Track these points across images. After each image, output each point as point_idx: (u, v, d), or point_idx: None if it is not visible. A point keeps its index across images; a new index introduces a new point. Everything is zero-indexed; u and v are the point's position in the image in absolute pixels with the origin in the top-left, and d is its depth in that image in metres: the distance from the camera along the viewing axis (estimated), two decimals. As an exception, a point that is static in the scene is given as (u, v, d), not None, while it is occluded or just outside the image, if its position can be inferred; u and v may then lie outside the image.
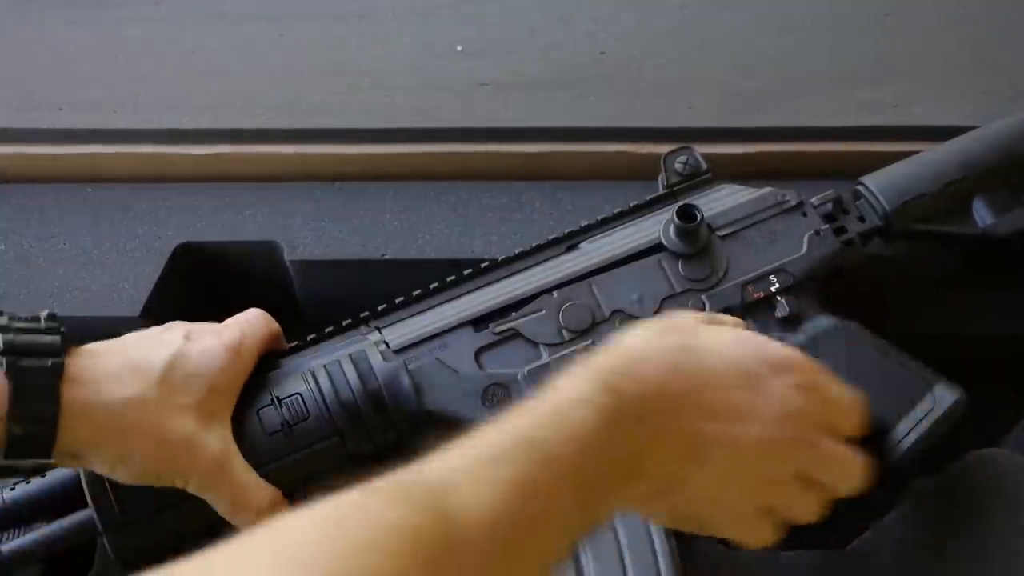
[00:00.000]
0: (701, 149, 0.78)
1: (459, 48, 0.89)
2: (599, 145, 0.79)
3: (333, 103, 0.84)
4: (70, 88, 0.87)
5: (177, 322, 0.58)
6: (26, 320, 0.52)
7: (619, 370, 0.46)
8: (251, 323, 0.59)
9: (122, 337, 0.56)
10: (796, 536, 0.57)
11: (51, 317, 0.53)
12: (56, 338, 0.51)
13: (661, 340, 0.49)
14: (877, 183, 0.67)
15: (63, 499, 0.59)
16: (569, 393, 0.45)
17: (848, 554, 0.61)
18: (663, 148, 0.79)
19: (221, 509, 0.55)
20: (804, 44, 0.87)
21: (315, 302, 0.78)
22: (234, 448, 0.55)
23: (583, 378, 0.45)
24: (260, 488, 0.55)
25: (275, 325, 0.61)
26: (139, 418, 0.52)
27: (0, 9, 0.96)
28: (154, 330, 0.57)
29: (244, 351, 0.57)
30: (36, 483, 0.59)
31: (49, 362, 0.50)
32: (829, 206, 0.66)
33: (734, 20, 0.90)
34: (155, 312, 0.74)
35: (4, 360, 0.49)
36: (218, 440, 0.54)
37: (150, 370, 0.53)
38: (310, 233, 0.76)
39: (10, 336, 0.50)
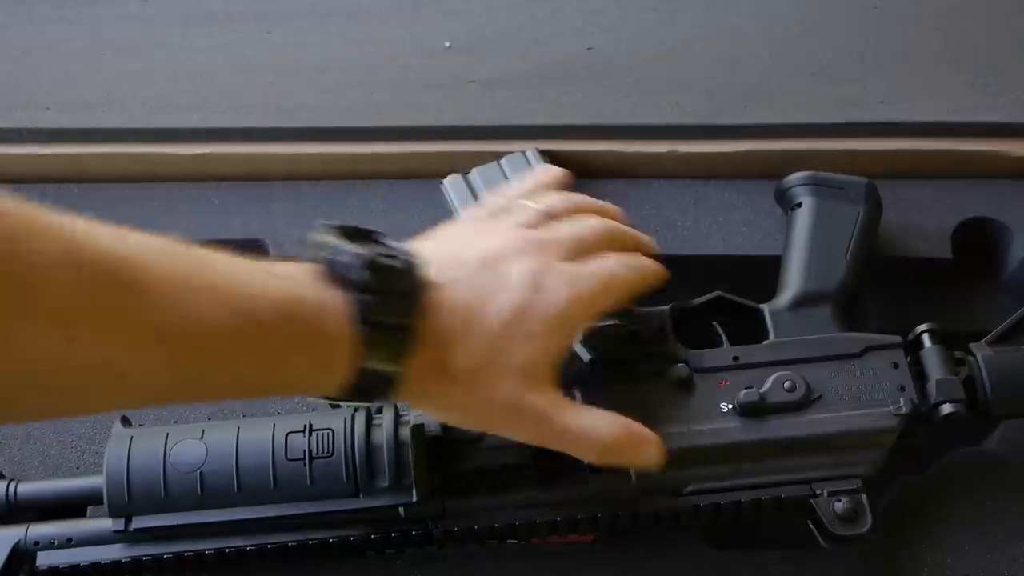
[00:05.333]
0: (688, 147, 0.79)
1: (447, 45, 0.89)
2: (586, 143, 0.79)
3: (320, 101, 0.84)
4: (56, 87, 0.86)
5: (531, 245, 0.55)
6: (387, 257, 0.49)
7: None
8: (617, 273, 0.56)
9: (465, 264, 0.53)
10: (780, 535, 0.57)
11: (412, 254, 0.51)
12: (411, 320, 0.49)
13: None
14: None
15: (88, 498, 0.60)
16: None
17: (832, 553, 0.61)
18: (649, 146, 0.79)
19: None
20: (790, 40, 0.87)
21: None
22: (562, 400, 0.53)
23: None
24: (593, 429, 0.53)
25: (651, 272, 0.58)
26: (467, 384, 0.51)
27: (-14, 7, 0.96)
28: (501, 250, 0.54)
29: (594, 309, 0.56)
30: (63, 480, 0.61)
31: (403, 329, 0.49)
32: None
33: (721, 16, 0.90)
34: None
35: (359, 319, 0.48)
36: (542, 398, 0.52)
37: (483, 335, 0.51)
38: (296, 232, 0.76)
39: (368, 298, 0.48)
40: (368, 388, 0.49)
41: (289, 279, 0.48)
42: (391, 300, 0.49)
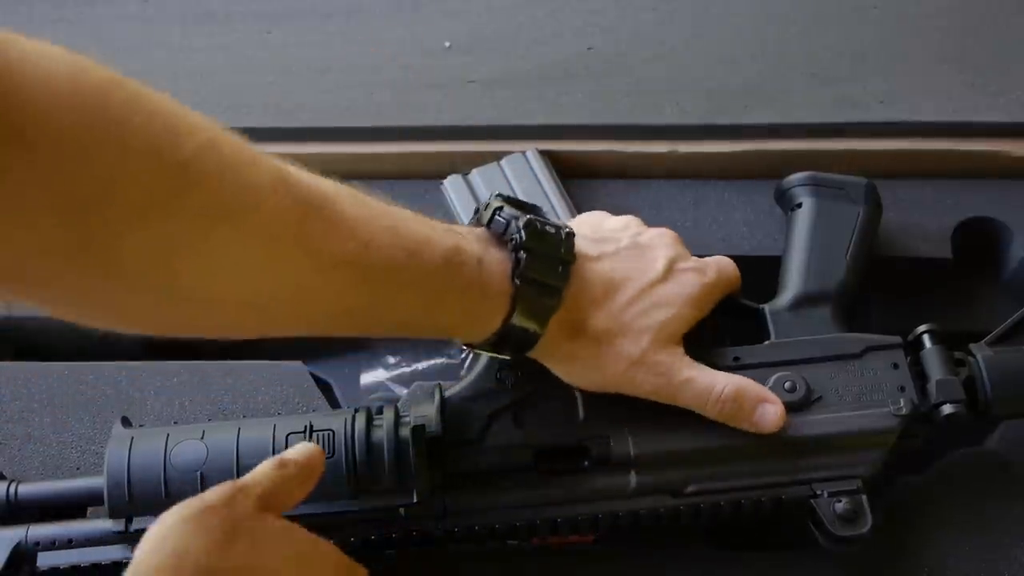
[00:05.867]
0: (688, 147, 0.79)
1: (447, 45, 0.89)
2: (586, 143, 0.79)
3: (320, 101, 0.84)
4: (56, 87, 0.86)
5: (667, 236, 0.62)
6: (545, 224, 0.56)
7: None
8: (725, 271, 0.63)
9: (611, 241, 0.61)
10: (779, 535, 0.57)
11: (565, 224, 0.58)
12: (561, 281, 0.55)
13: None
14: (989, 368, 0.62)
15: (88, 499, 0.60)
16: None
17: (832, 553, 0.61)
18: (649, 146, 0.79)
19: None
20: (790, 40, 0.87)
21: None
22: (686, 357, 0.58)
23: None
24: (713, 384, 0.58)
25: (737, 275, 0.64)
26: (597, 341, 0.57)
27: (-13, 7, 0.96)
28: (648, 239, 0.61)
29: (716, 296, 0.62)
30: (63, 481, 0.61)
31: (552, 289, 0.55)
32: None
33: (721, 16, 0.90)
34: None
35: (514, 275, 0.54)
36: (667, 354, 0.58)
37: (621, 301, 0.58)
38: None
39: (525, 257, 0.54)
40: (511, 341, 0.55)
41: (456, 233, 0.54)
42: (545, 262, 0.55)
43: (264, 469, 0.52)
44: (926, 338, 0.63)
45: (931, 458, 0.66)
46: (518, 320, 0.54)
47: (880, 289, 0.73)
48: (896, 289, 0.73)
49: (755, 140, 0.79)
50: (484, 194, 0.76)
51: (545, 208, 0.74)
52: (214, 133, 0.45)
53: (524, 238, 0.54)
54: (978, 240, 0.76)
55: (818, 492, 0.59)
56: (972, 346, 0.63)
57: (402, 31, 0.91)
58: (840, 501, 0.58)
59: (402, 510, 0.57)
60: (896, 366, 0.62)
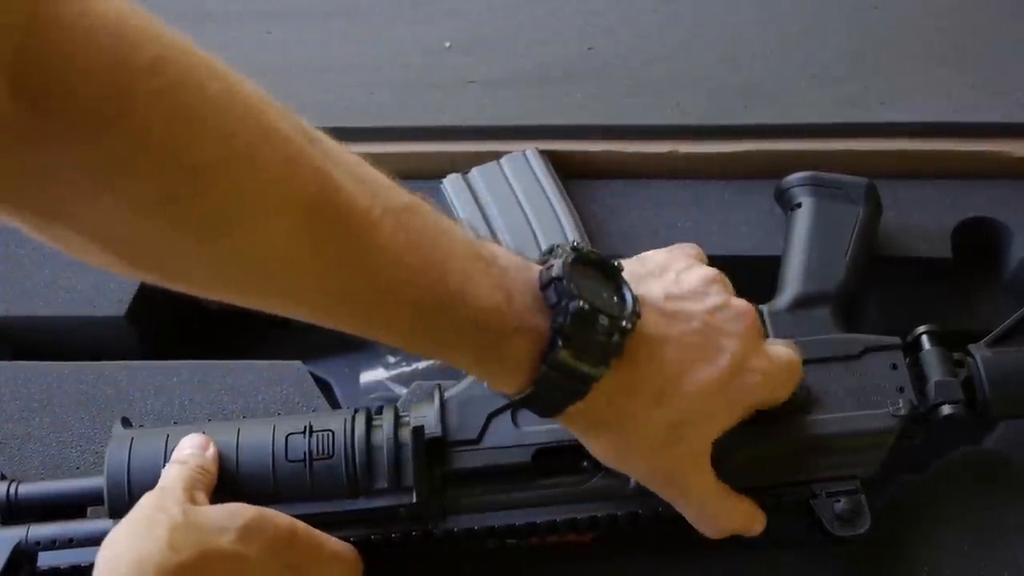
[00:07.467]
0: (688, 147, 0.79)
1: (447, 45, 0.89)
2: (586, 143, 0.79)
3: (320, 101, 0.84)
4: (56, 87, 0.86)
5: (745, 318, 0.54)
6: (598, 312, 0.48)
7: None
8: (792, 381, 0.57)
9: (687, 318, 0.52)
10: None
11: (632, 314, 0.50)
12: (592, 369, 0.49)
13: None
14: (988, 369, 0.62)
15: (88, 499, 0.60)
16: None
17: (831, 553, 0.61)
18: (649, 146, 0.79)
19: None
20: (790, 40, 0.87)
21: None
22: (707, 485, 0.55)
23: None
24: (723, 519, 0.56)
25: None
26: (621, 440, 0.52)
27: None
28: (719, 326, 0.53)
29: (775, 399, 0.56)
30: (63, 480, 0.61)
31: (580, 389, 0.49)
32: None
33: (721, 16, 0.90)
34: (141, 311, 0.74)
35: (540, 370, 0.48)
36: (696, 478, 0.54)
37: (669, 403, 0.51)
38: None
39: (564, 347, 0.48)
40: (527, 405, 0.51)
41: (507, 295, 0.48)
42: (585, 358, 0.48)
43: (171, 471, 0.55)
44: (925, 339, 0.63)
45: (930, 458, 0.66)
46: (534, 395, 0.50)
47: (880, 289, 0.73)
48: (896, 289, 0.73)
49: (755, 140, 0.79)
50: (484, 194, 0.76)
51: (545, 208, 0.75)
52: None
53: (569, 324, 0.48)
54: (978, 240, 0.76)
55: (817, 492, 0.59)
56: (971, 347, 0.63)
57: (402, 31, 0.91)
58: (839, 501, 0.58)
59: (402, 510, 0.57)
60: (895, 367, 0.62)
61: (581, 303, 0.47)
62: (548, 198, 0.76)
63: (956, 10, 0.88)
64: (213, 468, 0.56)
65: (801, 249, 0.68)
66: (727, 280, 0.56)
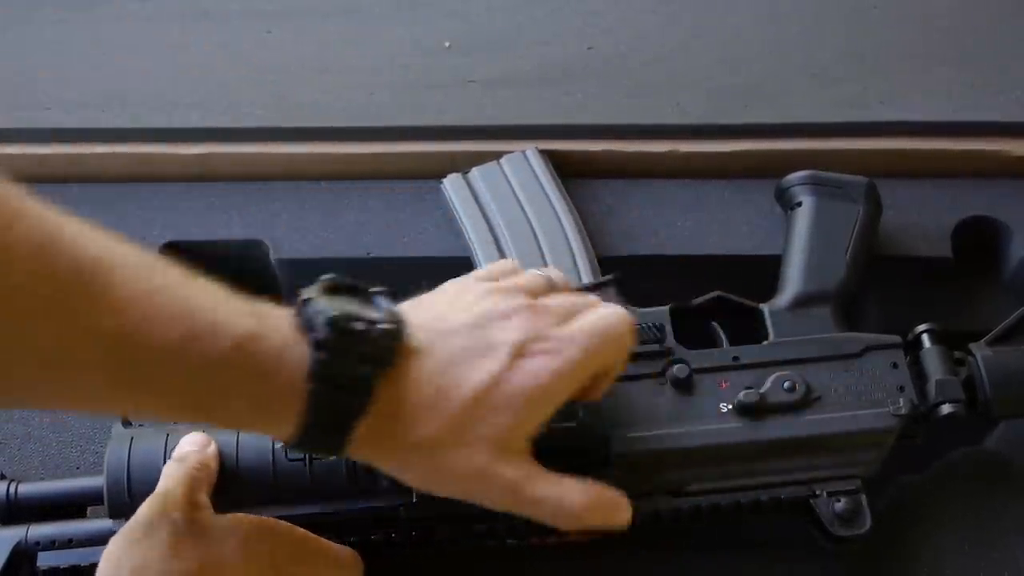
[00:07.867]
0: (688, 147, 0.79)
1: (446, 45, 0.89)
2: (586, 143, 0.79)
3: (320, 101, 0.84)
4: (56, 87, 0.86)
5: (520, 312, 0.52)
6: (357, 320, 0.47)
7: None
8: (602, 333, 0.53)
9: (451, 329, 0.51)
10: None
11: (390, 318, 0.49)
12: (365, 377, 0.47)
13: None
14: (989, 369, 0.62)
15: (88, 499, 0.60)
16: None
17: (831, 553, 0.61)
18: (649, 146, 0.79)
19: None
20: (790, 40, 0.87)
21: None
22: (533, 470, 0.51)
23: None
24: (565, 500, 0.51)
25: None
26: (428, 453, 0.49)
27: (-14, 8, 0.96)
28: (491, 313, 0.51)
29: (572, 381, 0.52)
30: (63, 480, 0.61)
31: (356, 402, 0.47)
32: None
33: (721, 16, 0.90)
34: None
35: (311, 375, 0.46)
36: (512, 469, 0.50)
37: (454, 405, 0.49)
38: (296, 232, 0.76)
39: (325, 358, 0.46)
40: (314, 443, 0.48)
41: (259, 319, 0.47)
42: (349, 363, 0.47)
43: (170, 472, 0.55)
44: (925, 338, 0.63)
45: (930, 457, 0.66)
46: (316, 423, 0.47)
47: (880, 289, 0.73)
48: (896, 289, 0.73)
49: (755, 140, 0.79)
50: (484, 194, 0.76)
51: (545, 208, 0.75)
52: None
53: (327, 335, 0.46)
54: (978, 239, 0.76)
55: (817, 492, 0.59)
56: (971, 346, 0.63)
57: (402, 31, 0.91)
58: (839, 501, 0.58)
59: (402, 510, 0.57)
60: (895, 366, 0.62)
61: (332, 311, 0.47)
62: (548, 198, 0.76)
63: (956, 10, 0.88)
64: (213, 464, 0.56)
65: (801, 248, 0.68)
66: (531, 286, 0.55)
